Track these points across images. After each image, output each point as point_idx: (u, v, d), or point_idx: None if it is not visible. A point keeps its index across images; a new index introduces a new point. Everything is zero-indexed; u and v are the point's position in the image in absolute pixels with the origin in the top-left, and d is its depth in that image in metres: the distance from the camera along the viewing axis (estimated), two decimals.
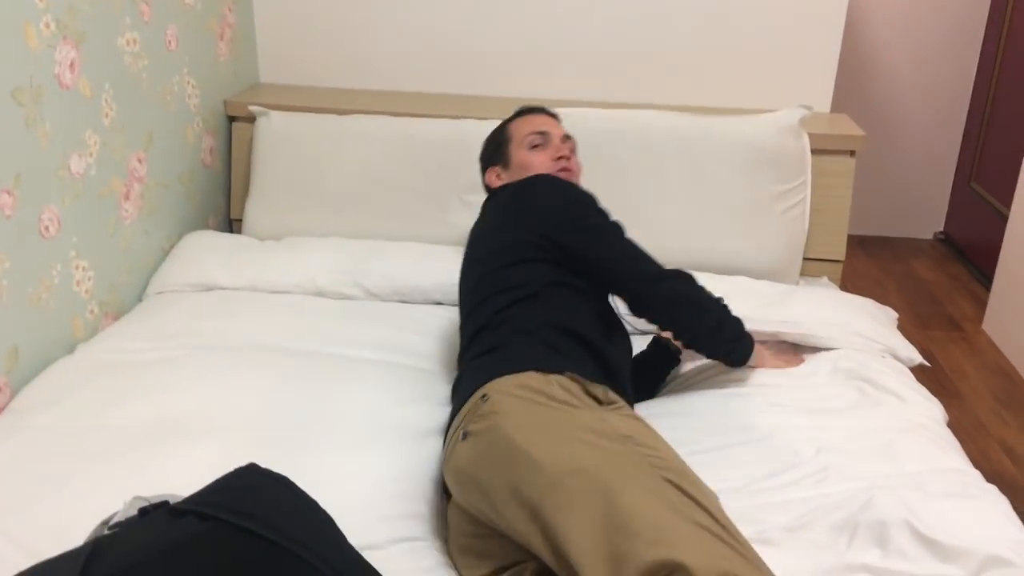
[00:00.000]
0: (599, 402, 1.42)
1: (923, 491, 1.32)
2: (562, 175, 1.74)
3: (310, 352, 1.76)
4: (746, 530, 1.17)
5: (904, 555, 1.19)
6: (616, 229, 1.65)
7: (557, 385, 1.38)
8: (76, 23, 1.77)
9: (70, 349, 1.79)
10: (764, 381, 1.75)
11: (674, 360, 1.88)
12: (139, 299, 2.06)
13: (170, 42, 2.15)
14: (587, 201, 1.67)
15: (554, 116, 1.88)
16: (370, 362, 1.76)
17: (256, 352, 1.73)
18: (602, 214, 1.67)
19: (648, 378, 1.83)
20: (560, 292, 1.57)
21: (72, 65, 1.77)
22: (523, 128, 1.81)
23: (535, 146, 1.78)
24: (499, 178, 1.82)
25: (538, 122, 1.82)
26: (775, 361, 1.79)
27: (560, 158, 1.77)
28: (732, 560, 1.04)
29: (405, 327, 1.93)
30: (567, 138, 1.84)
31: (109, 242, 1.94)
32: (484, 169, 1.88)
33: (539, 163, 1.76)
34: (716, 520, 1.11)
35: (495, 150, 1.86)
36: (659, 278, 1.61)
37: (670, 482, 1.16)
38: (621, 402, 1.46)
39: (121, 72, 1.94)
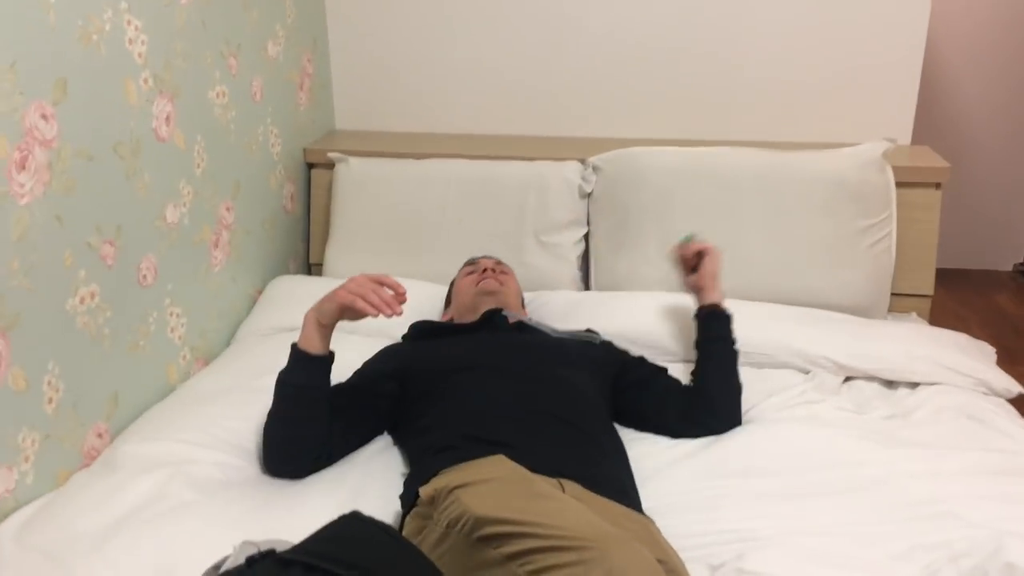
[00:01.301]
0: None
1: None
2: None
3: None
4: None
5: None
6: None
7: None
8: (172, 78, 1.83)
9: (164, 394, 1.82)
10: (865, 413, 1.71)
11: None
12: (227, 344, 2.09)
13: (255, 94, 2.21)
14: None
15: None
16: None
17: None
18: None
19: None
20: None
21: (168, 119, 1.82)
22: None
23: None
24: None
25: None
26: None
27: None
28: None
29: None
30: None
31: (200, 289, 1.98)
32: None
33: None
34: None
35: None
36: None
37: None
38: None
39: (211, 124, 2.00)
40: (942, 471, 1.50)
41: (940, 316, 3.38)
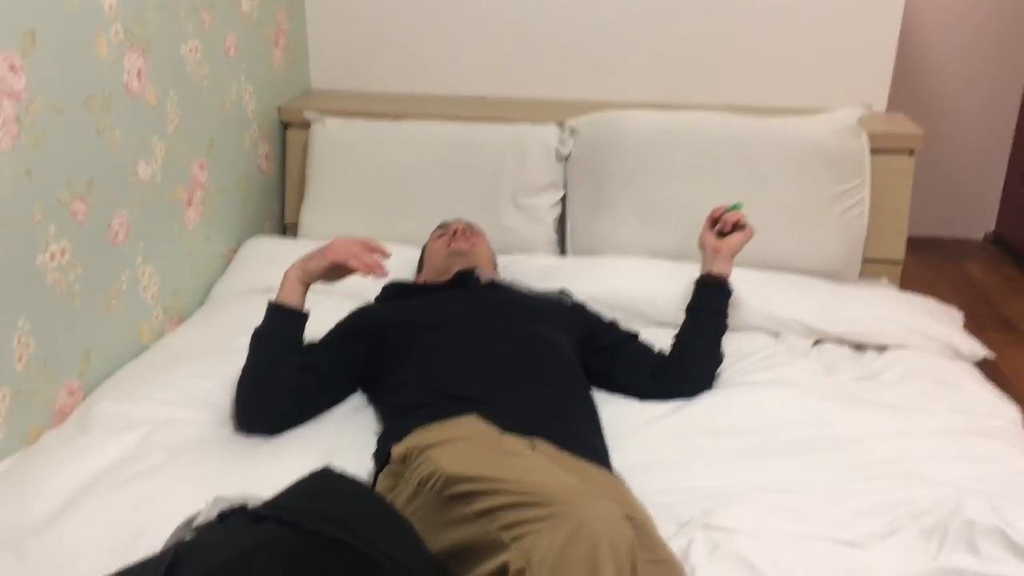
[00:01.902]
0: None
1: (1011, 496, 1.30)
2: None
3: None
4: (842, 535, 1.16)
5: (997, 561, 1.16)
6: None
7: None
8: (144, 31, 1.80)
9: (137, 353, 1.81)
10: (834, 375, 1.74)
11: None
12: (201, 303, 2.08)
13: (229, 49, 2.18)
14: None
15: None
16: None
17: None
18: None
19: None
20: None
21: (139, 73, 1.79)
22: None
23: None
24: None
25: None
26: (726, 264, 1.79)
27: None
28: None
29: None
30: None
31: (173, 247, 1.96)
32: None
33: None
34: None
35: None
36: None
37: None
38: None
39: (184, 79, 1.97)
40: (907, 431, 1.53)
41: (911, 283, 3.42)
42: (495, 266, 2.04)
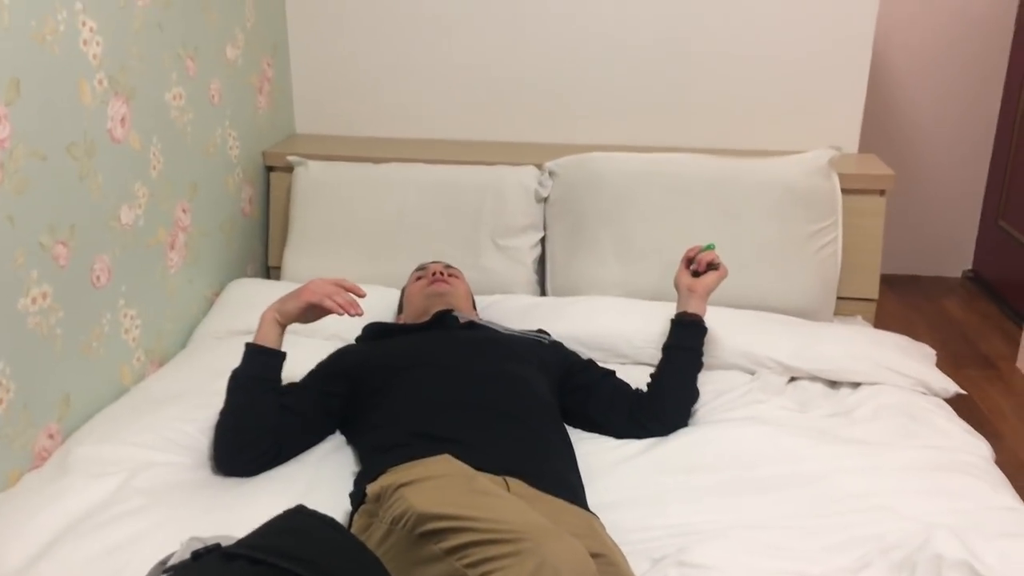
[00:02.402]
0: None
1: (979, 530, 1.31)
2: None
3: None
4: (813, 571, 1.18)
5: None
6: None
7: None
8: (127, 79, 1.83)
9: (117, 395, 1.82)
10: (808, 412, 1.76)
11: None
12: (182, 346, 2.10)
13: (213, 96, 2.22)
14: None
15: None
16: None
17: None
18: None
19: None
20: None
21: (123, 120, 1.83)
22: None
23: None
24: None
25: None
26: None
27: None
28: None
29: None
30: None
31: (155, 291, 1.98)
32: None
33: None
34: None
35: None
36: None
37: None
38: None
39: (168, 125, 2.01)
40: (878, 467, 1.55)
41: (889, 321, 3.47)
42: (474, 306, 2.07)
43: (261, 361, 1.58)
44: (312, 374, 1.71)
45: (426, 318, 1.86)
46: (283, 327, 1.62)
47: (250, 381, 1.56)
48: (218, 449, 1.55)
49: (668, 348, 1.82)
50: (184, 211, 2.10)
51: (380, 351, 1.72)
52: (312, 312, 1.60)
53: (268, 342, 1.59)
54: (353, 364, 1.69)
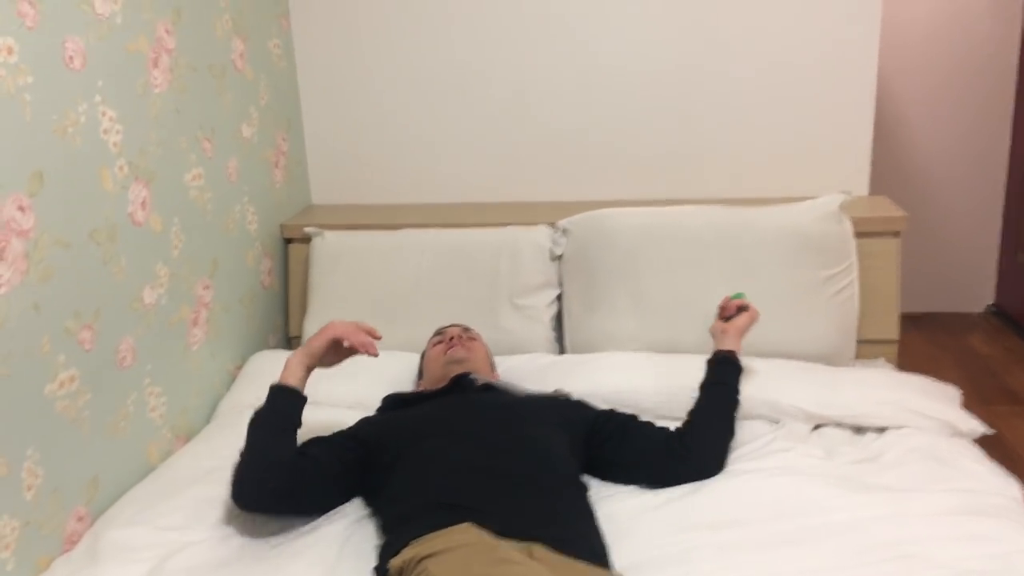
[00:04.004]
0: None
1: (1013, 573, 1.29)
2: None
3: None
4: None
5: None
6: None
7: None
8: (147, 164, 1.89)
9: (145, 474, 1.84)
10: (834, 459, 1.75)
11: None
12: (207, 421, 2.12)
13: (231, 174, 2.28)
14: None
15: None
16: None
17: None
18: None
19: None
20: None
21: (144, 203, 1.88)
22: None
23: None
24: None
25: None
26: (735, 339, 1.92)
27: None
28: None
29: None
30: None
31: (179, 367, 2.01)
32: None
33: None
34: None
35: None
36: None
37: None
38: None
39: (188, 206, 2.06)
40: (908, 513, 1.53)
41: (914, 359, 3.44)
42: (493, 368, 2.08)
43: (282, 400, 1.65)
44: (334, 434, 1.73)
45: (444, 384, 1.88)
46: (308, 369, 1.70)
47: (269, 418, 1.62)
48: (235, 481, 1.57)
49: (704, 386, 1.87)
50: (206, 288, 2.14)
51: (398, 421, 1.73)
52: (335, 352, 1.70)
53: (291, 382, 1.66)
54: (372, 434, 1.70)
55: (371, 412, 2.06)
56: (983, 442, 1.91)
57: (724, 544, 1.50)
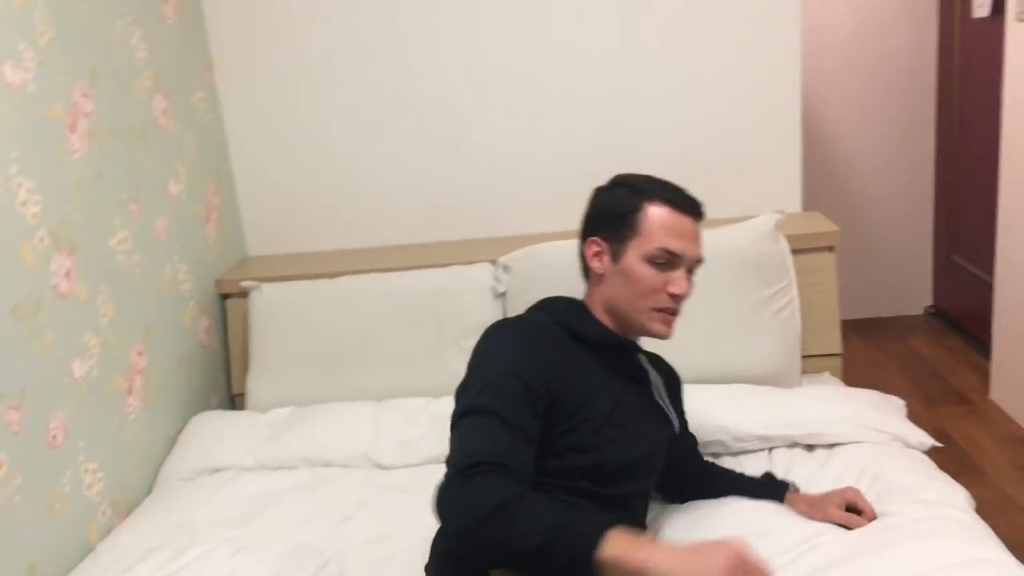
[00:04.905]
0: None
1: None
2: (658, 323, 1.47)
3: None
4: None
5: None
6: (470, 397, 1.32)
7: None
8: (69, 233, 1.83)
9: (84, 554, 1.76)
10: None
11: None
12: (148, 491, 2.05)
13: (160, 234, 2.22)
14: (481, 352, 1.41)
15: (698, 218, 1.51)
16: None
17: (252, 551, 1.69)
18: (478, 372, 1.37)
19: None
20: None
21: (68, 273, 1.82)
22: (661, 225, 1.45)
23: (658, 263, 1.44)
24: (600, 261, 1.51)
25: (680, 228, 1.45)
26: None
27: (672, 296, 1.45)
28: None
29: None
30: (694, 268, 1.51)
31: (116, 440, 1.94)
32: (589, 234, 1.53)
33: (647, 286, 1.44)
34: None
35: (617, 217, 1.47)
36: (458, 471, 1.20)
37: None
38: None
39: (115, 271, 2.00)
40: (861, 536, 1.54)
41: (858, 366, 3.50)
42: None
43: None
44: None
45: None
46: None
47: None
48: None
49: (748, 484, 1.71)
50: (139, 354, 2.07)
51: None
52: None
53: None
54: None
55: (326, 467, 2.02)
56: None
57: None
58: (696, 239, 1.49)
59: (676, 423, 1.64)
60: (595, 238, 1.51)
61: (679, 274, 1.46)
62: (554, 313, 1.51)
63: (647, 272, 1.45)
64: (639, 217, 1.46)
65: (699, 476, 1.76)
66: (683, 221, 1.46)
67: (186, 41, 2.46)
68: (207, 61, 2.59)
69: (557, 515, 1.13)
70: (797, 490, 1.70)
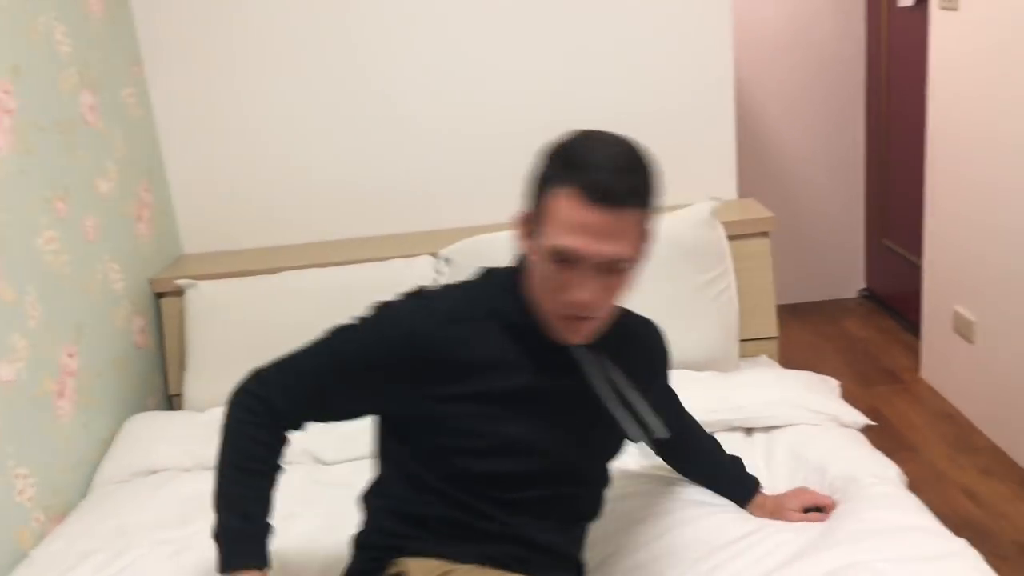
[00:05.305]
0: None
1: (897, 562, 1.34)
2: (565, 330, 1.27)
3: None
4: None
5: None
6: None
7: None
8: None
9: (17, 562, 1.72)
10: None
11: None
12: (84, 495, 2.00)
13: (89, 233, 2.17)
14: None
15: (618, 209, 1.19)
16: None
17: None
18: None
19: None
20: None
21: None
22: (562, 218, 1.19)
23: (558, 262, 1.21)
24: (524, 239, 1.31)
25: (581, 222, 1.18)
26: None
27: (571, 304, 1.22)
28: None
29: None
30: (613, 269, 1.21)
31: (47, 443, 1.89)
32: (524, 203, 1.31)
33: (548, 286, 1.24)
34: None
35: (533, 195, 1.28)
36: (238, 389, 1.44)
37: None
38: None
39: (42, 271, 1.94)
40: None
41: (795, 349, 3.57)
42: None
43: None
44: None
45: None
46: None
47: None
48: None
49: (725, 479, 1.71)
50: (70, 355, 2.02)
51: None
52: None
53: None
54: None
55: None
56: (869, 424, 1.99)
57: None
58: (611, 236, 1.18)
59: (638, 430, 1.37)
60: (523, 211, 1.30)
61: (581, 278, 1.20)
62: (479, 289, 1.40)
63: (547, 270, 1.22)
64: (546, 202, 1.22)
65: (680, 451, 1.69)
66: (593, 215, 1.17)
67: (113, 35, 2.40)
68: (136, 56, 2.53)
69: (227, 503, 1.35)
70: (761, 488, 1.68)
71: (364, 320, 1.39)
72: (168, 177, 2.66)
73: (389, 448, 1.39)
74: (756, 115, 3.92)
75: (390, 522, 1.35)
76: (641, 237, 1.24)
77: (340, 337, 1.40)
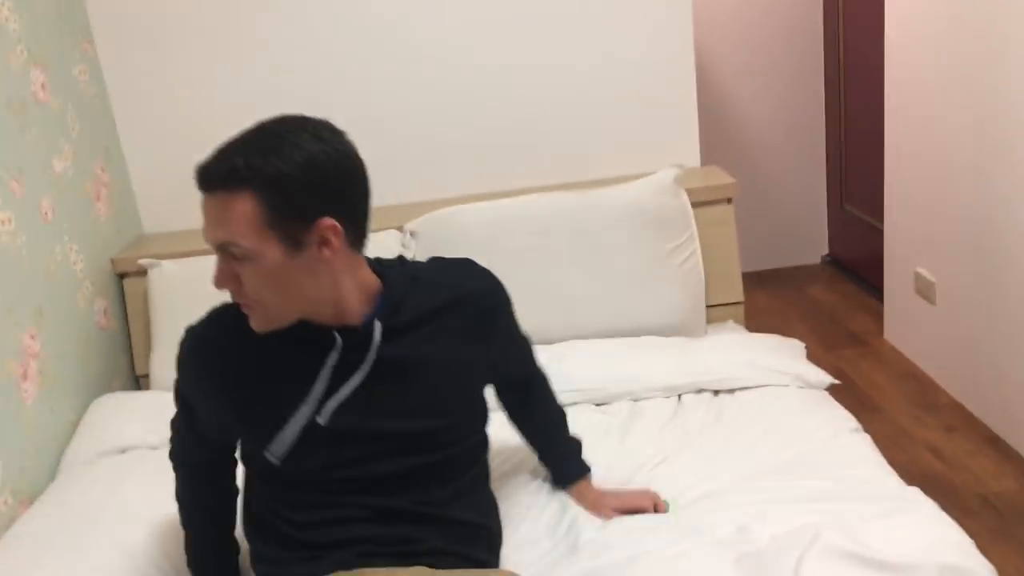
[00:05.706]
0: None
1: (858, 515, 1.37)
2: None
3: None
4: None
5: None
6: None
7: None
8: None
9: None
10: (694, 437, 1.80)
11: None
12: (52, 477, 1.97)
13: (46, 213, 2.12)
14: None
15: (213, 193, 1.21)
16: None
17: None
18: None
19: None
20: None
21: None
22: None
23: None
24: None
25: (204, 210, 1.23)
26: None
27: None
28: None
29: None
30: (234, 256, 1.23)
31: (12, 426, 1.86)
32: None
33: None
34: None
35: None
36: None
37: None
38: None
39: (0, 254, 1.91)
40: (759, 478, 1.61)
41: (763, 315, 3.62)
42: None
43: None
44: None
45: None
46: None
47: None
48: None
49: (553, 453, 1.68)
50: (32, 337, 1.99)
51: None
52: None
53: None
54: None
55: None
56: (835, 385, 2.02)
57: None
58: (215, 221, 1.20)
59: (439, 416, 1.37)
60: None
61: (217, 263, 1.25)
62: None
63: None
64: None
65: (523, 407, 1.65)
66: (205, 201, 1.21)
67: (62, 12, 2.34)
68: (86, 32, 2.48)
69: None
70: (588, 478, 1.62)
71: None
72: (125, 155, 2.61)
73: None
74: (716, 82, 3.94)
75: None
76: (262, 223, 1.17)
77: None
